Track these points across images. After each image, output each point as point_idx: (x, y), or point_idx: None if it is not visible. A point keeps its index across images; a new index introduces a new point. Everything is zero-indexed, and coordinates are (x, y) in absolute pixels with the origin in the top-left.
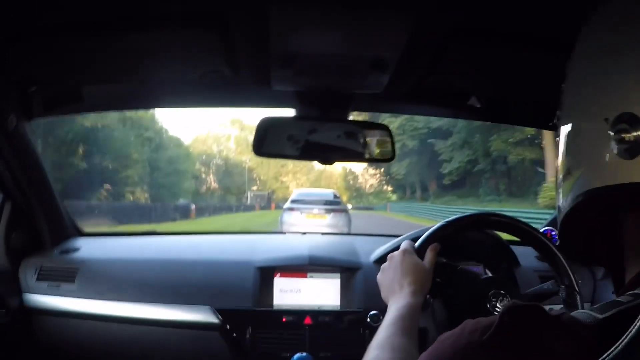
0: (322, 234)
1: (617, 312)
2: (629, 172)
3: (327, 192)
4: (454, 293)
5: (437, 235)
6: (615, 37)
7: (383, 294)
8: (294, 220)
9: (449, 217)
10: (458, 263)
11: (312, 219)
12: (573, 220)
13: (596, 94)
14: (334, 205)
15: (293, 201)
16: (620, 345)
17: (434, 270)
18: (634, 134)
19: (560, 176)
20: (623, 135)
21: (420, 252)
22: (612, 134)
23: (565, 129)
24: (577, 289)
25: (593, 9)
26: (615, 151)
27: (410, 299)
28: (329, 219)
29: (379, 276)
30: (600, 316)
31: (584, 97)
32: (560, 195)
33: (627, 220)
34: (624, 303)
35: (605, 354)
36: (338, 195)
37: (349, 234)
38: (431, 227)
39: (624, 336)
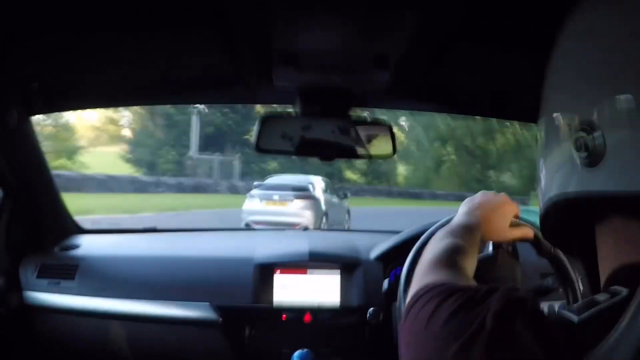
0: (323, 230)
1: (595, 312)
2: (588, 181)
3: (301, 178)
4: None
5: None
6: (586, 44)
7: (467, 201)
8: (252, 207)
9: None
10: None
11: (271, 207)
12: (549, 220)
13: (566, 98)
14: (299, 191)
15: (257, 186)
16: (606, 343)
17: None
18: (592, 143)
19: (539, 175)
20: (582, 143)
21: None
22: (572, 140)
23: (540, 128)
24: (577, 286)
25: (571, 11)
26: (576, 158)
27: (478, 234)
28: (289, 206)
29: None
30: (577, 316)
31: (555, 100)
32: (540, 195)
33: (597, 224)
34: (601, 301)
35: (595, 349)
36: (314, 182)
37: (347, 230)
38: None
39: (608, 335)
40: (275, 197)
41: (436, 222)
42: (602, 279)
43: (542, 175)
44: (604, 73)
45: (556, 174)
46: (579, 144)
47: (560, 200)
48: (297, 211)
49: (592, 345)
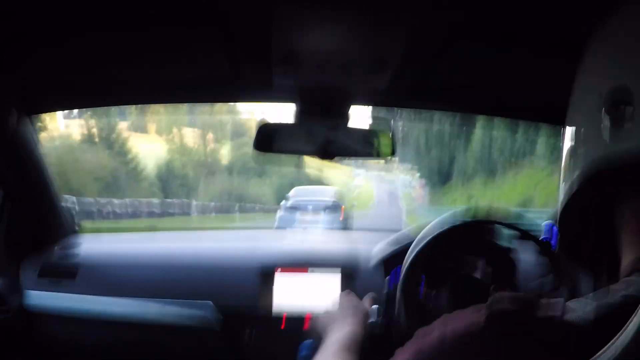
0: (323, 229)
1: (607, 312)
2: (619, 145)
3: (328, 188)
4: (458, 286)
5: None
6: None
7: (320, 329)
8: (288, 217)
9: None
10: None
11: (305, 216)
12: (571, 208)
13: (596, 76)
14: (326, 203)
15: (289, 198)
16: (615, 343)
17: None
18: (626, 106)
19: (562, 166)
20: (615, 107)
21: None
22: (604, 107)
23: (568, 121)
24: (576, 287)
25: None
26: (608, 125)
27: (351, 327)
28: (321, 216)
29: (322, 316)
30: (591, 314)
31: (585, 86)
32: (561, 185)
33: (624, 205)
34: (615, 303)
35: (600, 352)
36: (337, 194)
37: (347, 229)
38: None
39: (616, 337)
40: (309, 209)
41: (437, 220)
42: (624, 263)
43: (570, 153)
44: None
45: (585, 151)
46: (610, 108)
47: (591, 172)
48: (329, 220)
49: (605, 342)
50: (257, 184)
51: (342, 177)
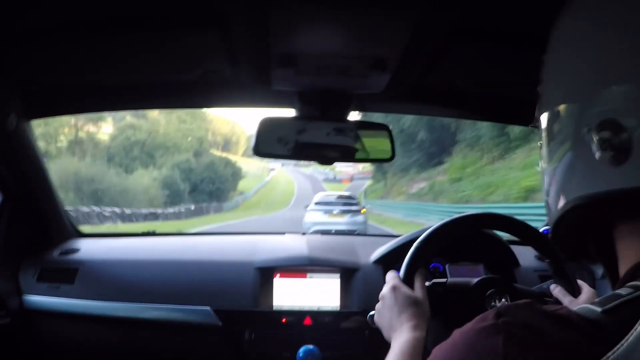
0: (322, 234)
1: (618, 304)
2: (615, 179)
3: (345, 195)
4: (451, 310)
5: (419, 256)
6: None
7: (386, 335)
8: (315, 218)
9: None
10: (457, 264)
11: (332, 218)
12: (564, 224)
13: (576, 100)
14: (350, 206)
15: (316, 203)
16: (629, 340)
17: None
18: (618, 141)
19: (546, 178)
20: (606, 143)
21: (407, 280)
22: (595, 141)
23: (548, 132)
24: (576, 289)
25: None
26: (600, 158)
27: (411, 334)
28: (346, 218)
29: (376, 319)
30: (600, 309)
31: (564, 102)
32: (549, 198)
33: (619, 225)
34: (623, 295)
35: (615, 348)
36: (355, 197)
37: (349, 233)
38: (410, 249)
39: (632, 331)
40: (336, 211)
41: (435, 224)
42: (622, 274)
43: (555, 181)
44: (624, 69)
45: (576, 177)
46: (604, 143)
47: (585, 202)
48: (351, 221)
49: (617, 337)
50: (139, 177)
51: (256, 166)
